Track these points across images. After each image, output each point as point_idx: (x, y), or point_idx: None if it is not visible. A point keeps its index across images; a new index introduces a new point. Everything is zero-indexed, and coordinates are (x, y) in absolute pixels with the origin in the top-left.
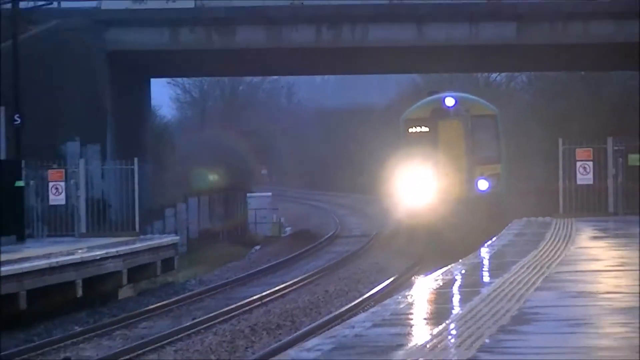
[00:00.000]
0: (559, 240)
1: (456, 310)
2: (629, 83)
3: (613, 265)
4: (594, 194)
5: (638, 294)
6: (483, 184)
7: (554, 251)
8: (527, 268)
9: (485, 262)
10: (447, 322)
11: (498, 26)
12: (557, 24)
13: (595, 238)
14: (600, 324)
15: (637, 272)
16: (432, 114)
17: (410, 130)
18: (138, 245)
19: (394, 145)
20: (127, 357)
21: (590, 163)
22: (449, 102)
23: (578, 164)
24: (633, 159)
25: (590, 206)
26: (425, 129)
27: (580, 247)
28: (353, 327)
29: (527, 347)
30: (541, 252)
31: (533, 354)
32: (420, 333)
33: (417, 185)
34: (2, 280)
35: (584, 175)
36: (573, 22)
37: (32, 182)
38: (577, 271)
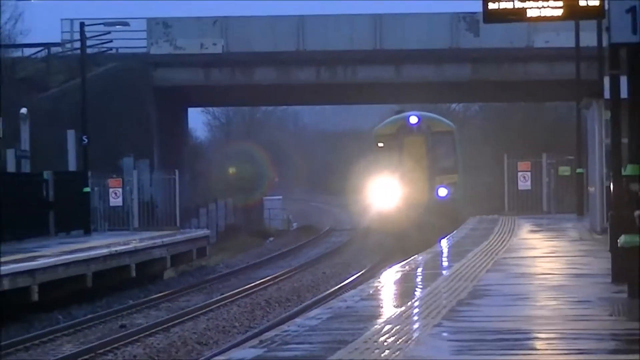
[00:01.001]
0: (504, 233)
1: (424, 287)
2: (559, 111)
3: (546, 253)
4: (531, 197)
5: (566, 274)
6: (442, 191)
7: (501, 241)
8: (480, 255)
9: (446, 251)
10: (417, 296)
11: (457, 67)
12: (504, 65)
13: (532, 231)
14: (537, 298)
15: (565, 258)
16: (398, 130)
17: (380, 144)
18: (178, 237)
19: (368, 157)
20: (170, 324)
21: (529, 173)
22: (413, 120)
23: (519, 173)
24: (562, 170)
25: (529, 206)
26: (392, 143)
27: (521, 239)
28: (345, 300)
29: (480, 315)
30: (491, 242)
31: (485, 321)
32: (397, 305)
33: (386, 191)
34: (73, 265)
35: (524, 182)
36: (516, 64)
37: (96, 189)
38: (519, 257)
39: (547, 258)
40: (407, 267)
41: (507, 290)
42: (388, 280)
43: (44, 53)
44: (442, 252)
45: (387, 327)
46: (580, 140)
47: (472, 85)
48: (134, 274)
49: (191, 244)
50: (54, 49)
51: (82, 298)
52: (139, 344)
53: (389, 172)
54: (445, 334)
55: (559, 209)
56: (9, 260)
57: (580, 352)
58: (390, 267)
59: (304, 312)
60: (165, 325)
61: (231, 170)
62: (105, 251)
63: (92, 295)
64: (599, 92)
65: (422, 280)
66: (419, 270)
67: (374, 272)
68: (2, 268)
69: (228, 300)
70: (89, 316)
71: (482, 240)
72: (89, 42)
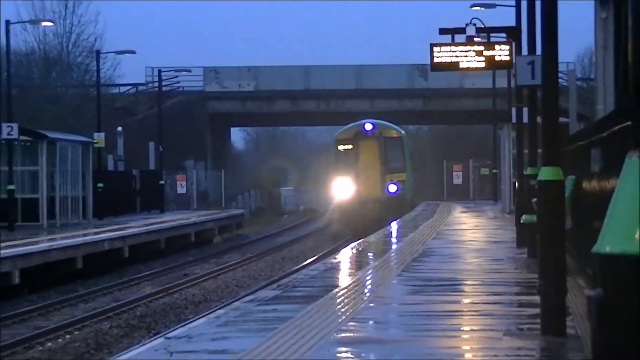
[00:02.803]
0: (444, 213)
1: (389, 250)
2: (482, 132)
3: (472, 226)
4: (462, 189)
5: (485, 241)
6: (392, 188)
7: (441, 219)
8: (427, 227)
9: (403, 225)
10: (385, 255)
11: (412, 101)
12: (444, 100)
13: (463, 212)
14: (465, 257)
15: (485, 230)
16: (355, 135)
17: (340, 147)
18: (223, 214)
19: (330, 158)
20: (218, 273)
21: (460, 172)
22: (368, 126)
23: (454, 173)
24: (483, 170)
25: (460, 195)
26: (350, 146)
27: (455, 217)
28: (336, 258)
29: (428, 268)
30: (435, 219)
31: (431, 272)
32: (371, 261)
33: (345, 187)
34: (151, 233)
35: (457, 179)
36: (452, 99)
37: (168, 181)
38: (454, 229)
39: (472, 230)
40: (375, 238)
41: (445, 251)
42: (364, 246)
43: (133, 90)
44: (400, 226)
45: (364, 276)
46: (496, 151)
47: (423, 113)
48: (193, 239)
49: (232, 219)
50: (140, 87)
51: (157, 255)
52: (196, 287)
53: (347, 171)
54: (398, 281)
55: (481, 197)
56: (109, 229)
57: (495, 294)
58: (363, 238)
59: (308, 266)
60: (214, 274)
61: (273, 174)
62: (173, 223)
63: (165, 253)
64: (508, 119)
65: (387, 245)
66: (385, 238)
67: (355, 240)
68: (104, 235)
69: (256, 258)
70: (162, 268)
71: (428, 218)
72: (164, 83)
